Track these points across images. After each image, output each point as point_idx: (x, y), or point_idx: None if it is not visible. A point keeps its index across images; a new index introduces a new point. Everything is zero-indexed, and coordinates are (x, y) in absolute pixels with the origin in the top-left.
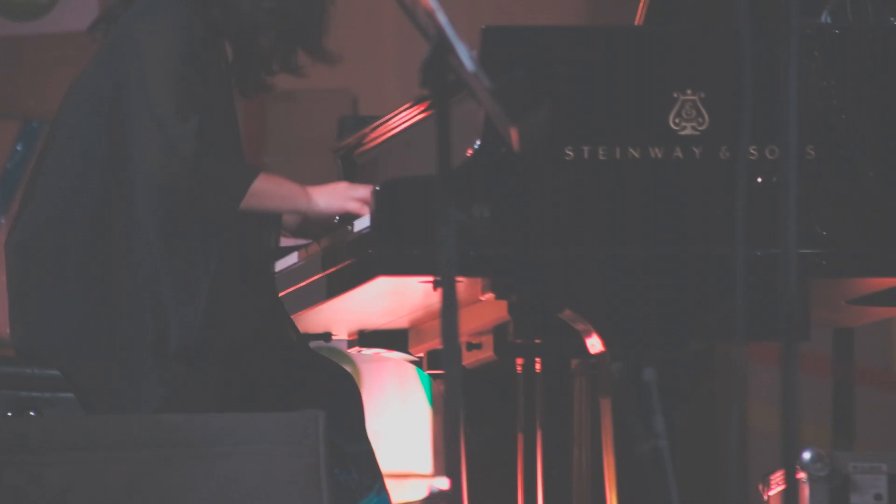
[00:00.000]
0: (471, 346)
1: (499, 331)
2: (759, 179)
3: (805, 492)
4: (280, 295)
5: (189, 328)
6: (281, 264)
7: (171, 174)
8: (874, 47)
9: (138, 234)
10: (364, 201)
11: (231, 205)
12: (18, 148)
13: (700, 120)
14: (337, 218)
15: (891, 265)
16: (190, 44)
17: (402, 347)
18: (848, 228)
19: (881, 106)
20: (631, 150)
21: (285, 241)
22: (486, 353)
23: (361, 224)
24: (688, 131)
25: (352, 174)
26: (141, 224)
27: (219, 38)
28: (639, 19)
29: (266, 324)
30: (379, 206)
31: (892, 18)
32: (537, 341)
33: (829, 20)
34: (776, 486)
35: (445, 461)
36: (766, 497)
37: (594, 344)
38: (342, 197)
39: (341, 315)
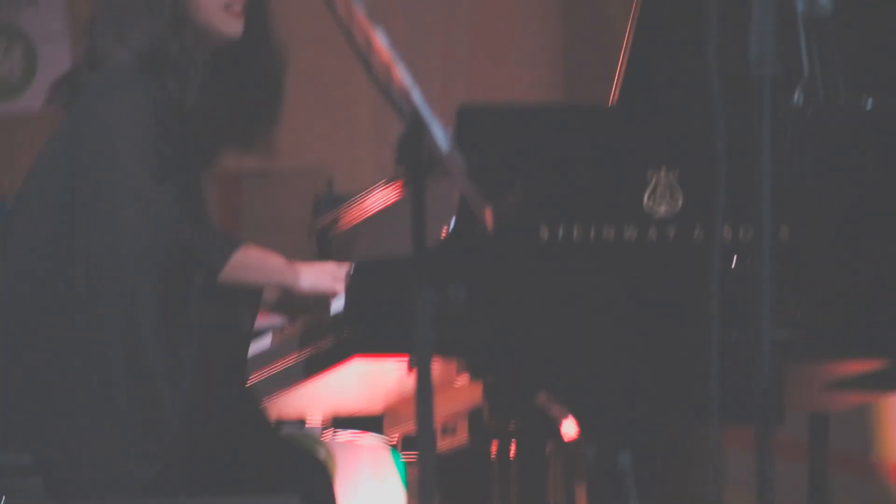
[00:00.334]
0: (445, 430)
1: (473, 414)
2: (734, 260)
3: None
4: (254, 378)
5: (177, 407)
6: (255, 347)
7: (152, 242)
8: (847, 127)
9: (121, 309)
10: None
11: (212, 274)
12: None
13: (674, 200)
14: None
15: (866, 349)
16: (156, 115)
17: (377, 431)
18: (823, 311)
19: (854, 186)
20: (605, 230)
21: (261, 320)
22: (461, 437)
23: (337, 305)
24: (662, 211)
25: (327, 253)
26: (123, 299)
27: (180, 111)
28: (614, 94)
29: (236, 409)
30: (354, 287)
31: (864, 97)
32: (512, 425)
33: (801, 100)
34: None
35: None
36: None
37: (569, 427)
38: (330, 277)
39: (316, 399)
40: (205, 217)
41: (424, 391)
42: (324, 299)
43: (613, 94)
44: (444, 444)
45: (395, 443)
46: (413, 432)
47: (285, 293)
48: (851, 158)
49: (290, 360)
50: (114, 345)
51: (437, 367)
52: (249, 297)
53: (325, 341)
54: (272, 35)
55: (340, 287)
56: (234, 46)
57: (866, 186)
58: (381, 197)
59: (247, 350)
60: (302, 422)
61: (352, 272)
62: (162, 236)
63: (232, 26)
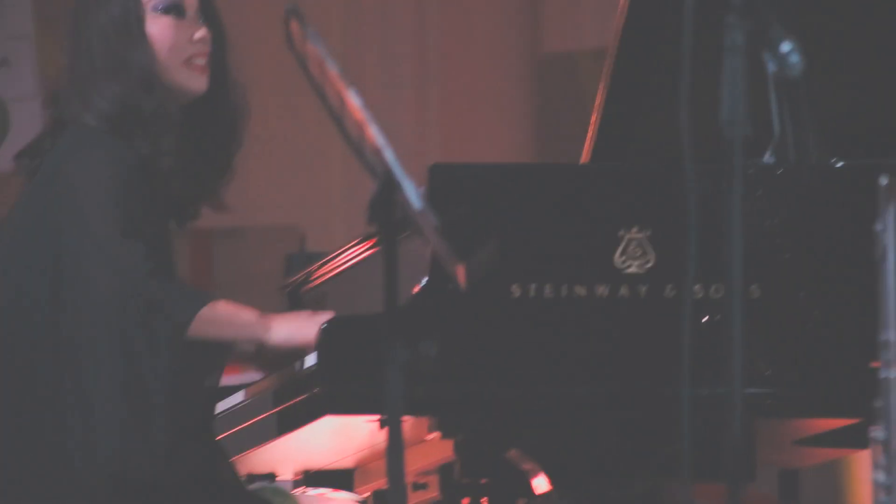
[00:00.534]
0: (417, 486)
1: (445, 470)
2: (705, 318)
3: None
4: (226, 434)
5: (147, 464)
6: (226, 403)
7: (120, 298)
8: (817, 187)
9: (91, 366)
10: None
11: (180, 328)
12: None
13: (645, 258)
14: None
15: (836, 406)
16: (123, 172)
17: (348, 487)
18: (793, 368)
19: (824, 245)
20: (577, 288)
21: (235, 375)
22: (432, 494)
23: (309, 362)
24: (633, 269)
25: (295, 312)
26: (92, 355)
27: (149, 169)
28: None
29: (205, 465)
30: (325, 344)
31: (834, 159)
32: (484, 481)
33: (772, 160)
34: None
35: None
36: None
37: (540, 484)
38: (305, 326)
39: (287, 454)
40: (173, 273)
41: (395, 448)
42: (300, 351)
43: (585, 153)
44: (415, 500)
45: (366, 499)
46: (384, 488)
47: (260, 348)
48: (821, 218)
49: (261, 417)
50: (80, 403)
51: (409, 424)
52: (218, 353)
53: (296, 398)
54: (234, 86)
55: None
56: (199, 101)
57: (836, 246)
58: (353, 254)
59: (213, 406)
60: (272, 476)
61: (323, 328)
62: (130, 293)
63: (196, 82)
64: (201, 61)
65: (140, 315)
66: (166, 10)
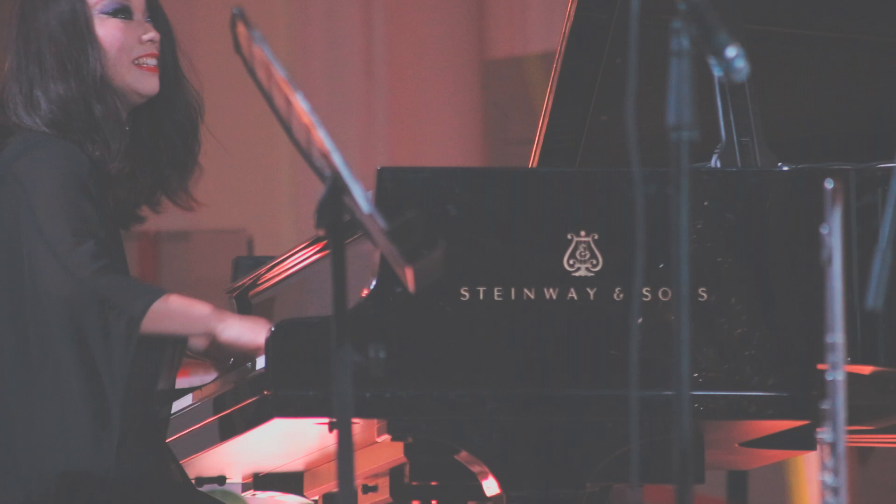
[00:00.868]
0: (366, 489)
1: (395, 473)
2: (653, 320)
3: None
4: (175, 437)
5: (97, 464)
6: (175, 406)
7: (72, 299)
8: (763, 190)
9: (48, 365)
10: None
11: (133, 323)
12: None
13: (594, 261)
14: (231, 360)
15: (783, 408)
16: (75, 173)
17: (298, 490)
18: (741, 371)
19: (771, 248)
20: (526, 291)
21: (179, 382)
22: (383, 496)
23: (259, 365)
24: (582, 272)
25: (247, 315)
26: (47, 354)
27: (99, 170)
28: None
29: (154, 467)
30: (274, 347)
31: (780, 164)
32: (434, 483)
33: (718, 164)
34: None
35: None
36: None
37: (490, 486)
38: (255, 328)
39: (236, 457)
40: (126, 272)
41: (345, 451)
42: (249, 354)
43: (533, 157)
44: (365, 502)
45: (316, 501)
46: (334, 491)
47: (212, 344)
48: (768, 221)
49: (210, 419)
50: (42, 401)
51: (359, 427)
52: (172, 353)
53: (245, 401)
54: (187, 85)
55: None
56: (151, 102)
57: (783, 249)
58: (301, 258)
59: (168, 408)
60: (222, 479)
61: (272, 331)
62: (81, 292)
63: (148, 83)
64: (151, 62)
65: (93, 313)
66: (114, 13)
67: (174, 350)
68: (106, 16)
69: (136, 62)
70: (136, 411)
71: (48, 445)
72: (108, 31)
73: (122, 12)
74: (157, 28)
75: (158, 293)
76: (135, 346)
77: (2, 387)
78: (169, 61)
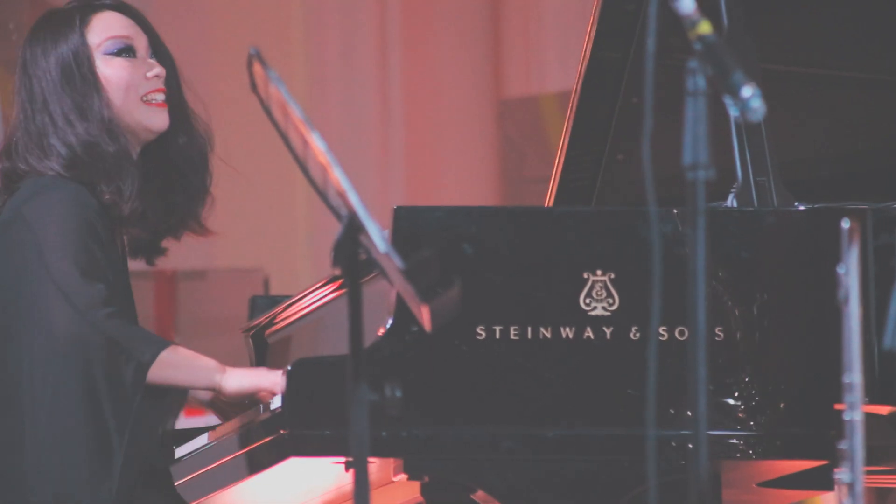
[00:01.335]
0: None
1: None
2: (670, 360)
3: None
4: (191, 477)
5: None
6: (191, 446)
7: (82, 341)
8: (780, 230)
9: (49, 408)
10: (276, 387)
11: (140, 370)
12: None
13: (610, 300)
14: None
15: (801, 448)
16: (84, 216)
17: None
18: (758, 410)
19: (787, 288)
20: (542, 330)
21: (194, 422)
22: None
23: (274, 404)
24: (598, 311)
25: (263, 354)
26: (51, 397)
27: (111, 211)
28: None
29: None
30: (291, 386)
31: (797, 203)
32: None
33: (734, 203)
34: None
35: None
36: None
37: None
38: (257, 379)
39: (252, 497)
40: (134, 318)
41: (362, 490)
42: (256, 400)
43: (549, 196)
44: None
45: None
46: None
47: (216, 395)
48: (784, 261)
49: (226, 459)
50: (39, 443)
51: (375, 466)
52: (174, 397)
53: (261, 440)
54: (194, 117)
55: (266, 390)
56: (161, 136)
57: (799, 289)
58: (317, 297)
59: (171, 449)
60: None
61: (289, 370)
62: (90, 334)
63: (158, 119)
64: (160, 97)
65: (101, 356)
66: (118, 53)
67: (175, 396)
68: (110, 56)
69: (145, 99)
70: (137, 454)
71: (48, 481)
72: (113, 70)
73: (125, 51)
74: (161, 64)
75: (167, 343)
76: (141, 392)
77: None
78: (175, 95)
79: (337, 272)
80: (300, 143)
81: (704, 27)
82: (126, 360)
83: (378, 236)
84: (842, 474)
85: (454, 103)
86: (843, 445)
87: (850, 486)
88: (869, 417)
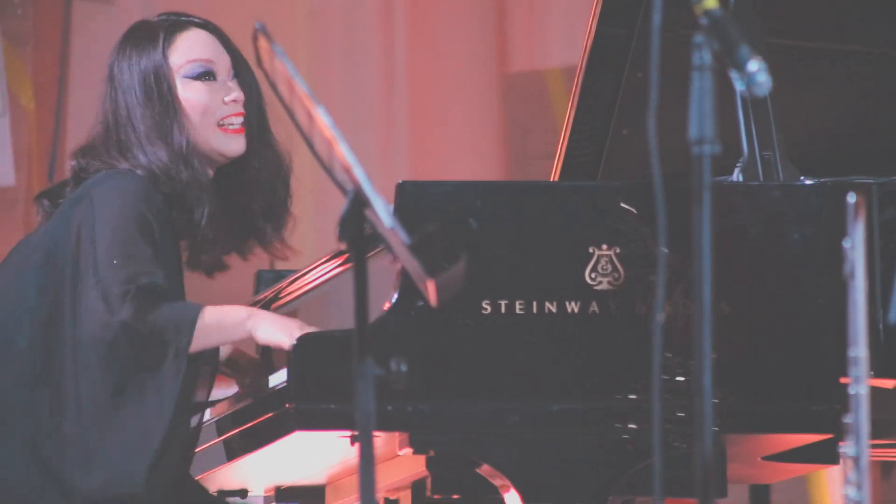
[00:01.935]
0: (388, 502)
1: (417, 486)
2: (674, 333)
3: None
4: (196, 451)
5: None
6: (194, 420)
7: (112, 339)
8: (785, 205)
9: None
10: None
11: (179, 356)
12: None
13: (616, 275)
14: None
15: (806, 422)
16: (142, 213)
17: (320, 503)
18: (763, 384)
19: (793, 262)
20: (548, 304)
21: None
22: None
23: (278, 379)
24: (604, 286)
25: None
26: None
27: (172, 211)
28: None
29: (185, 478)
30: (297, 361)
31: (802, 178)
32: (456, 497)
33: (740, 178)
34: None
35: None
36: None
37: (512, 499)
38: (288, 331)
39: (258, 471)
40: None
41: (367, 464)
42: (264, 368)
43: (554, 171)
44: None
45: None
46: None
47: (234, 352)
48: (790, 235)
49: (232, 432)
50: (82, 430)
51: (381, 440)
52: (206, 370)
53: (267, 414)
54: (273, 141)
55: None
56: (238, 160)
57: (805, 263)
58: (323, 271)
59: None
60: (244, 492)
61: (295, 344)
62: (120, 332)
63: (233, 144)
64: (236, 122)
65: (136, 349)
66: (197, 77)
67: (209, 368)
68: (189, 80)
69: (221, 124)
70: (175, 430)
71: (93, 468)
72: (191, 94)
73: (205, 75)
74: (242, 84)
75: (197, 314)
76: (182, 376)
77: (34, 404)
78: (254, 118)
79: (342, 247)
80: (306, 118)
81: (710, 2)
82: (165, 347)
83: (384, 211)
84: (847, 448)
85: (459, 79)
86: (848, 419)
87: (856, 460)
88: (874, 391)
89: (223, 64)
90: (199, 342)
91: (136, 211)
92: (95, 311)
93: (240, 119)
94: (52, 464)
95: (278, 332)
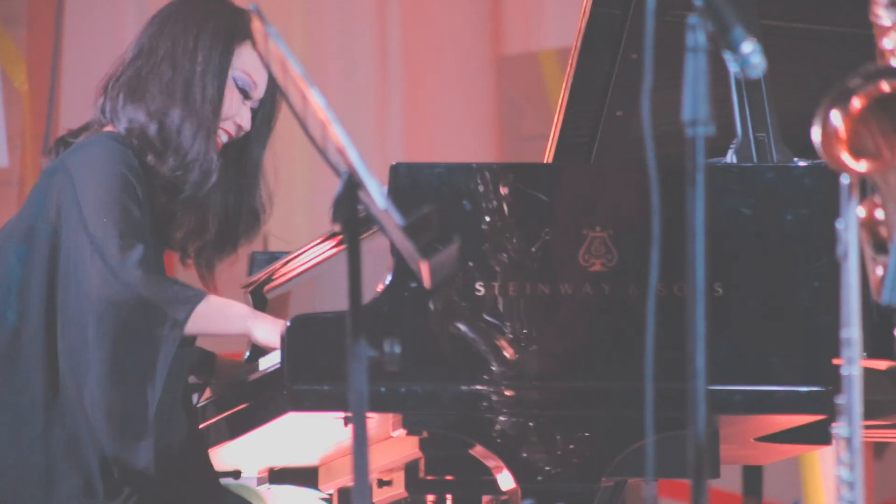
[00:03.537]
0: (381, 483)
1: (410, 467)
2: (668, 316)
3: None
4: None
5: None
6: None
7: (116, 301)
8: (779, 186)
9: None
10: None
11: (175, 328)
12: None
13: (609, 257)
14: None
15: (798, 403)
16: (124, 174)
17: (313, 484)
18: (756, 365)
19: (786, 243)
20: (541, 286)
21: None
22: (398, 490)
23: (269, 361)
24: (597, 268)
25: (262, 310)
26: (78, 352)
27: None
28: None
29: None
30: (290, 342)
31: (796, 159)
32: (449, 478)
33: (734, 159)
34: None
35: None
36: None
37: (505, 480)
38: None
39: (251, 452)
40: (162, 272)
41: (360, 445)
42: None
43: (548, 152)
44: (379, 497)
45: (330, 496)
46: (349, 486)
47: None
48: (784, 216)
49: (225, 414)
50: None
51: (374, 422)
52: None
53: (260, 395)
54: (257, 184)
55: None
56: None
57: (798, 244)
58: (316, 253)
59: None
60: (237, 473)
61: (288, 326)
62: (123, 296)
63: (246, 120)
64: (224, 139)
65: (136, 315)
66: (240, 87)
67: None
68: (235, 84)
69: (242, 101)
70: (172, 406)
71: (88, 443)
72: (227, 95)
73: (244, 92)
74: (262, 110)
75: (200, 296)
76: (176, 348)
77: (32, 380)
78: (255, 149)
79: (336, 228)
80: (299, 99)
81: None
82: (162, 318)
83: (377, 192)
84: (840, 429)
85: (453, 60)
86: (841, 400)
87: (848, 441)
88: (867, 372)
89: (261, 85)
90: (197, 322)
91: (119, 177)
92: (96, 271)
93: (226, 138)
94: (45, 438)
95: (278, 335)
